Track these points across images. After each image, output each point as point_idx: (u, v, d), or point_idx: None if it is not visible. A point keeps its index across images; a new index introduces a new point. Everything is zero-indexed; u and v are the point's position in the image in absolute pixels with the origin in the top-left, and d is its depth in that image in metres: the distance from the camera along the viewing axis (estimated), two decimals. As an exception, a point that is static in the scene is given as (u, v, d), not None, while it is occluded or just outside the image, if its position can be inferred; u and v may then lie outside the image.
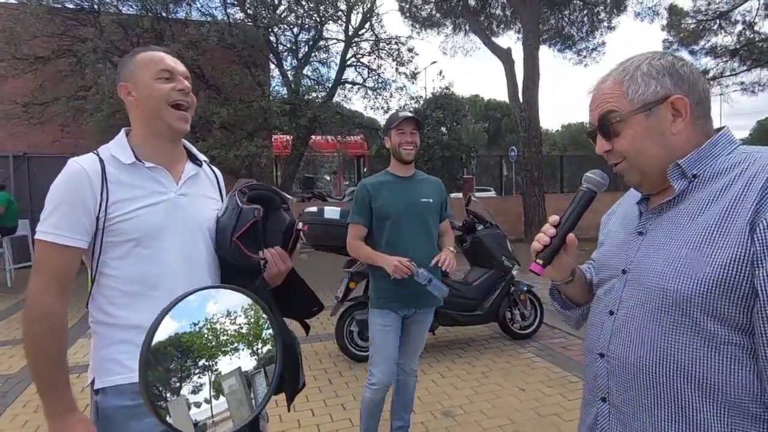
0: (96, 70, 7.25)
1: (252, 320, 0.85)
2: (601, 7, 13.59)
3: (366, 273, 4.00)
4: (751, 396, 0.75)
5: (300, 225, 1.39)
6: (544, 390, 3.38)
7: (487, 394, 3.33)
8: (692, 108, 0.87)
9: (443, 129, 12.86)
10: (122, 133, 1.30)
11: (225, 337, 0.81)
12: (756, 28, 13.45)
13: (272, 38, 9.30)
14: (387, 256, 2.24)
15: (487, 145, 32.20)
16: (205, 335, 0.79)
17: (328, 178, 22.09)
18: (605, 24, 13.90)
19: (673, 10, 14.05)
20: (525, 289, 4.39)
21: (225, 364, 0.80)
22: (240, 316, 0.84)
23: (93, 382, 1.20)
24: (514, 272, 4.35)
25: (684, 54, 13.04)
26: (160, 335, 0.76)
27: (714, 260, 0.76)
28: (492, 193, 15.95)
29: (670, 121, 0.87)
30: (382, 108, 10.02)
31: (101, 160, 1.21)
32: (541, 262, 0.93)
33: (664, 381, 0.82)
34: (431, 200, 2.39)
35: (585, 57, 14.52)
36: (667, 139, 0.88)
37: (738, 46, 13.48)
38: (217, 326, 0.81)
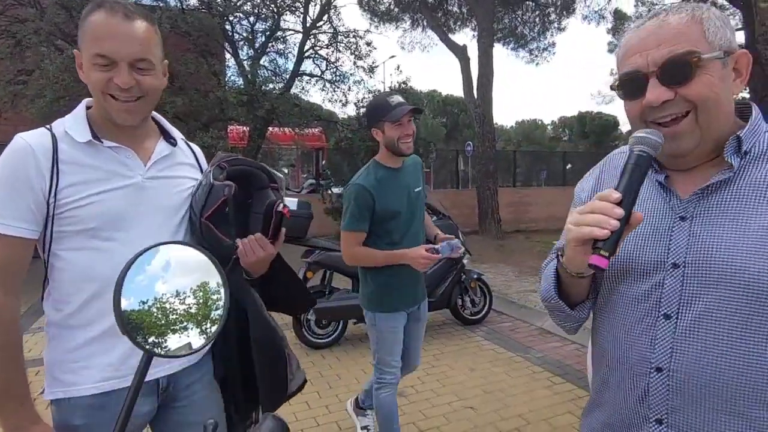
0: (38, 54, 6.88)
1: (201, 301, 0.84)
2: (552, 9, 14.16)
3: (323, 263, 4.11)
4: None
5: (281, 206, 1.16)
6: (492, 369, 3.62)
7: (438, 375, 3.53)
8: (748, 70, 0.75)
9: (401, 123, 13.00)
10: (82, 105, 1.10)
11: (174, 317, 0.81)
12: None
13: (228, 27, 9.12)
14: (410, 251, 2.02)
15: (444, 140, 32.77)
16: (155, 314, 0.79)
17: (286, 170, 21.82)
18: (555, 25, 14.52)
19: (617, 14, 14.85)
20: (475, 276, 4.63)
21: (174, 341, 0.80)
22: (189, 296, 0.83)
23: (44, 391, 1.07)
24: (464, 261, 4.57)
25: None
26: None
27: None
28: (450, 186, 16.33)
29: (732, 79, 0.75)
30: (341, 101, 10.05)
31: (53, 136, 1.03)
32: (606, 254, 0.68)
33: (744, 393, 0.70)
34: (419, 188, 2.21)
35: (537, 56, 15.12)
36: (729, 100, 0.75)
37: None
38: (167, 306, 0.81)
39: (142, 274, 0.80)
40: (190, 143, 1.31)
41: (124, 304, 0.77)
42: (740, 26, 12.19)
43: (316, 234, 6.06)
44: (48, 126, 1.07)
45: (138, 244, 0.89)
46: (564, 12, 14.17)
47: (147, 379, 1.08)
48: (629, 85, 0.78)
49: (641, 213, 0.72)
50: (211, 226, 1.12)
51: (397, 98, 2.05)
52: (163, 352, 0.78)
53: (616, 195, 0.69)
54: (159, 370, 1.13)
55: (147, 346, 0.76)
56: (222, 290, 0.86)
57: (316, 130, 12.95)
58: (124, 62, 1.01)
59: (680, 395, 0.75)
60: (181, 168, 1.21)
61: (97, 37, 1.01)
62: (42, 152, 1.01)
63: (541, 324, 4.59)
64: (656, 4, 14.36)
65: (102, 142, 1.06)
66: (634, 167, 0.72)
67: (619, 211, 0.68)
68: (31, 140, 1.02)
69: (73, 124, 1.06)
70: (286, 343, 1.29)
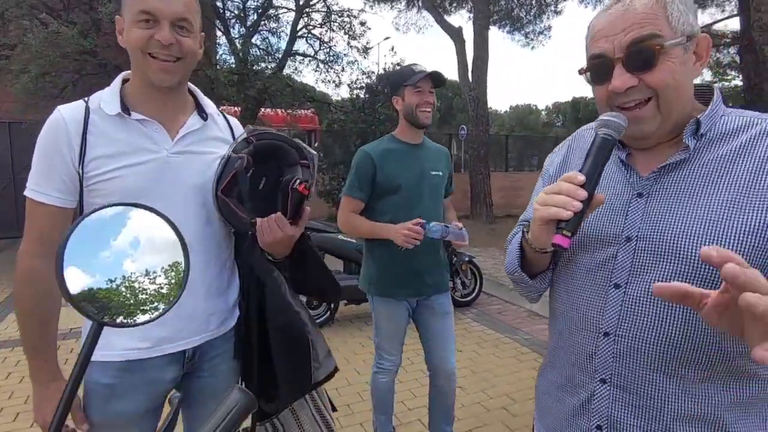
0: (21, 27, 6.69)
1: (173, 281, 0.80)
2: (549, -9, 14.01)
3: (315, 245, 4.08)
4: None
5: (297, 183, 1.09)
6: (479, 351, 3.67)
7: (427, 355, 3.58)
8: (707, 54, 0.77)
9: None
10: (119, 78, 1.12)
11: (144, 296, 0.77)
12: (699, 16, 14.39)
13: (219, 3, 8.91)
14: (391, 225, 1.91)
15: (438, 124, 32.61)
16: (123, 293, 0.75)
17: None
18: (552, 8, 14.37)
19: (614, -2, 14.73)
20: (466, 259, 4.66)
21: (143, 320, 0.76)
22: (160, 276, 0.80)
23: None
24: (456, 244, 4.59)
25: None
26: (74, 287, 0.70)
27: (752, 221, 0.70)
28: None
29: (692, 62, 0.77)
30: (334, 82, 9.94)
31: (87, 108, 1.06)
32: (569, 233, 0.72)
33: (683, 357, 0.75)
34: (441, 173, 2.07)
35: (532, 39, 14.98)
36: (689, 83, 0.77)
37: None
38: (136, 285, 0.77)
39: (107, 249, 0.76)
40: (228, 117, 1.27)
41: (90, 282, 0.72)
42: (735, 12, 12.14)
43: (309, 216, 6.03)
44: (86, 98, 1.09)
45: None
46: (561, -6, 14.02)
47: (169, 351, 1.13)
48: (596, 70, 0.80)
49: (603, 194, 0.77)
50: (227, 200, 1.09)
51: (421, 66, 2.00)
52: (116, 321, 0.74)
53: (581, 178, 0.73)
54: (186, 341, 1.16)
55: (96, 315, 0.72)
56: (185, 270, 0.82)
57: (309, 111, 12.81)
58: (166, 20, 1.02)
59: (624, 358, 0.80)
60: (212, 143, 1.17)
61: None
62: (73, 124, 1.04)
63: (530, 306, 4.65)
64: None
65: (131, 115, 1.06)
66: (599, 150, 0.76)
67: (583, 194, 0.72)
68: (65, 113, 1.05)
69: (108, 96, 1.08)
70: (311, 328, 1.24)
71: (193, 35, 1.09)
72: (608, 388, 0.83)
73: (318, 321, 4.12)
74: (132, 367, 1.11)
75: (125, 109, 1.06)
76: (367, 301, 2.17)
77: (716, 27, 14.38)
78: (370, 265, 2.09)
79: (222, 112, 1.25)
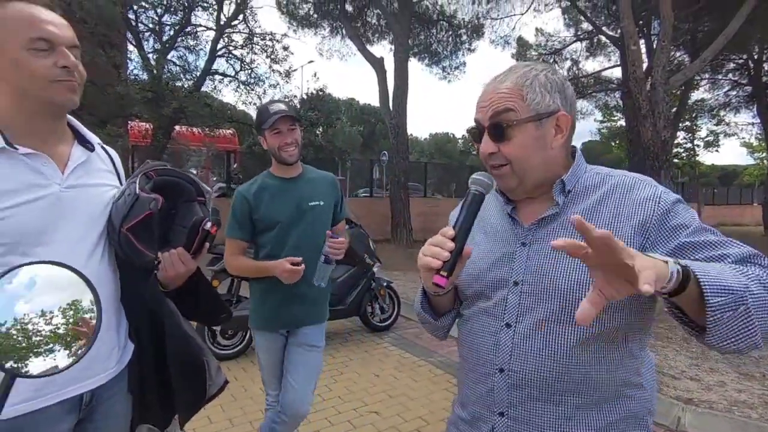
0: None
1: (71, 320, 0.78)
2: (464, 31, 15.07)
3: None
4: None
5: (209, 225, 1.15)
6: (396, 375, 3.76)
7: (345, 382, 3.59)
8: (570, 126, 0.92)
9: (317, 131, 13.02)
10: None
11: (38, 338, 0.75)
12: (579, 66, 16.23)
13: (131, 16, 8.51)
14: (273, 262, 1.93)
15: (361, 149, 33.18)
16: (14, 336, 0.73)
17: (194, 171, 20.66)
18: (466, 46, 15.46)
19: (520, 41, 16.23)
20: (385, 284, 4.78)
21: (38, 365, 0.74)
22: (57, 316, 0.77)
23: None
24: (375, 269, 4.70)
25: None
26: None
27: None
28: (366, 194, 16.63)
29: (552, 135, 0.91)
30: (255, 104, 9.82)
31: None
32: (445, 274, 0.84)
33: (563, 388, 0.87)
34: (321, 203, 2.07)
35: (449, 73, 15.94)
36: (547, 152, 0.91)
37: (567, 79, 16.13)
38: (29, 327, 0.74)
39: None
40: (106, 147, 1.24)
41: None
42: (618, 63, 13.89)
43: (224, 241, 5.84)
44: None
45: (58, 258, 0.84)
46: (474, 35, 15.15)
47: (71, 394, 1.04)
48: (474, 133, 0.96)
49: (494, 243, 0.97)
50: (131, 237, 1.07)
51: (279, 106, 2.01)
52: (4, 366, 0.72)
53: (451, 232, 0.86)
54: (86, 384, 1.08)
55: (7, 367, 0.70)
56: (95, 307, 0.81)
57: (228, 131, 12.47)
58: (63, 46, 0.99)
59: (517, 391, 0.90)
60: (99, 174, 1.15)
61: (32, 23, 0.96)
62: None
63: (444, 329, 4.84)
64: (553, 36, 15.92)
65: (17, 149, 0.97)
66: (470, 204, 0.88)
67: (451, 245, 0.84)
68: None
69: None
70: (204, 351, 1.27)
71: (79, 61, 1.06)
72: (506, 420, 0.91)
73: (233, 351, 3.98)
74: (19, 426, 0.97)
75: (8, 143, 0.97)
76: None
77: (604, 74, 16.37)
78: (252, 298, 2.15)
79: (100, 143, 1.22)
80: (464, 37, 15.30)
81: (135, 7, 8.39)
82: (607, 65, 16.04)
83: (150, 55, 8.92)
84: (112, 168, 1.21)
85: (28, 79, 0.98)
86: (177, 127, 9.44)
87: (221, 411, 3.06)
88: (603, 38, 14.71)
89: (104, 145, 1.23)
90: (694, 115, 18.92)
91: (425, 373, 3.80)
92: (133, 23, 8.69)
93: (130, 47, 9.09)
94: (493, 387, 0.93)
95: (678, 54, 14.74)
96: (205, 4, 8.95)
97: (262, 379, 2.17)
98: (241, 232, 2.04)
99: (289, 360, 2.07)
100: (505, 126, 0.89)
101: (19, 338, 0.74)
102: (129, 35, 8.77)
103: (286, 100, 10.27)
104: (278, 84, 10.11)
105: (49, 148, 1.04)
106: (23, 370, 0.73)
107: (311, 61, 36.78)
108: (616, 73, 15.23)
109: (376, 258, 4.74)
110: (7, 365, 0.71)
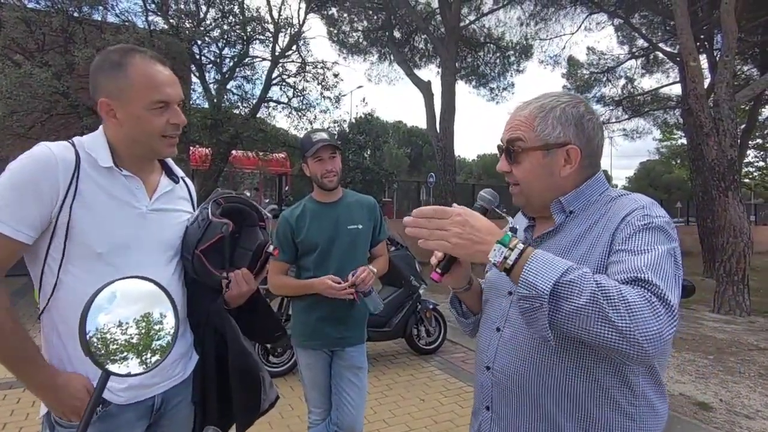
0: (-8, 67, 6.68)
1: (143, 332, 0.87)
2: (512, 52, 15.03)
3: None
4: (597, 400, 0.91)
5: (271, 248, 1.29)
6: (441, 400, 3.70)
7: (390, 405, 3.58)
8: (582, 159, 0.97)
9: (365, 153, 13.28)
10: (101, 131, 1.17)
11: (114, 347, 0.83)
12: (635, 83, 15.65)
13: (195, 50, 9.15)
14: (316, 279, 2.04)
15: (408, 171, 33.39)
16: (95, 344, 0.82)
17: (248, 193, 21.54)
18: (515, 67, 15.39)
19: (571, 61, 15.92)
20: (431, 306, 4.74)
21: (114, 370, 0.83)
22: (131, 327, 0.86)
23: (49, 413, 1.10)
24: (420, 291, 4.69)
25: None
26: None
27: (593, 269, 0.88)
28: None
29: (561, 165, 0.98)
30: (306, 128, 10.18)
31: (77, 153, 1.08)
32: (439, 271, 1.00)
33: (539, 392, 0.94)
34: (360, 226, 2.17)
35: (497, 95, 15.90)
36: (554, 179, 0.98)
37: (621, 98, 15.56)
38: (107, 336, 0.83)
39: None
40: (186, 179, 1.39)
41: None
42: (677, 80, 13.26)
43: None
44: (71, 141, 1.12)
45: (134, 272, 0.95)
46: (522, 55, 15.07)
47: (144, 397, 1.16)
48: (500, 151, 1.06)
49: None
50: (203, 258, 1.19)
51: (321, 135, 2.12)
52: (121, 372, 0.83)
53: None
54: (159, 386, 1.18)
55: (107, 366, 0.81)
56: (164, 320, 0.90)
57: (281, 155, 12.98)
58: (175, 103, 1.15)
59: (499, 388, 1.01)
60: (179, 202, 1.29)
61: (155, 86, 1.12)
62: (64, 166, 1.05)
63: (492, 354, 4.71)
64: (605, 54, 15.49)
65: (121, 170, 1.14)
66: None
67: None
68: (57, 151, 1.06)
69: (94, 146, 1.12)
70: (260, 366, 1.36)
71: None
72: (491, 414, 1.03)
73: (281, 369, 4.07)
74: (105, 418, 1.09)
75: (116, 163, 1.13)
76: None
77: (663, 90, 15.68)
78: (294, 315, 2.24)
79: (184, 176, 1.36)
80: (512, 59, 15.26)
81: (199, 42, 9.02)
82: (665, 82, 15.38)
83: (211, 86, 9.53)
84: (188, 196, 1.36)
85: (145, 133, 1.14)
86: (233, 152, 9.95)
87: (269, 428, 3.13)
88: (660, 54, 14.16)
89: (185, 177, 1.38)
90: (766, 132, 17.66)
91: (471, 399, 3.70)
92: (197, 56, 9.33)
93: (194, 78, 9.75)
94: (482, 383, 1.05)
95: (746, 68, 13.93)
96: (262, 38, 9.49)
97: (305, 395, 2.23)
98: (284, 254, 2.14)
99: (341, 380, 2.16)
100: (515, 151, 1.00)
101: (99, 346, 0.83)
102: (193, 68, 9.43)
103: (334, 126, 10.60)
104: (328, 109, 10.44)
105: (143, 175, 1.19)
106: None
107: (360, 86, 37.84)
108: (676, 89, 14.56)
109: (422, 280, 4.73)
110: (107, 366, 0.81)
